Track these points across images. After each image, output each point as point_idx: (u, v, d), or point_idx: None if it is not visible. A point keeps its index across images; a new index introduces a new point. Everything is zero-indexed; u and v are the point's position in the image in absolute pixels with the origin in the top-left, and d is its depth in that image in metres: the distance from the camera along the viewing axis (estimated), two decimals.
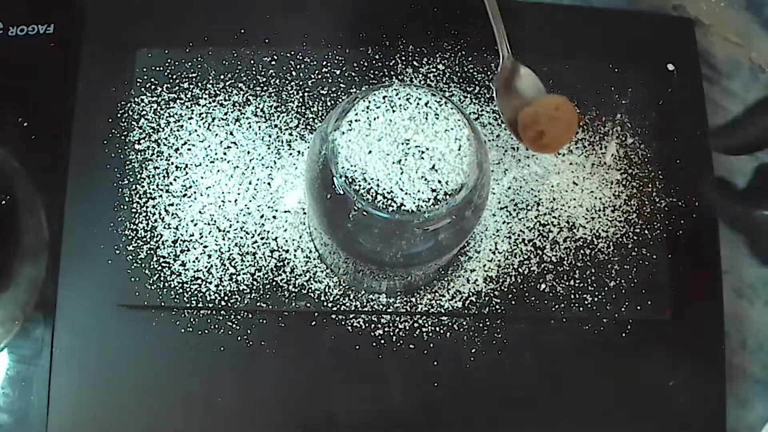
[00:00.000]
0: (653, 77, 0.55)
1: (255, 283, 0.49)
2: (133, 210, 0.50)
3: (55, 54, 0.53)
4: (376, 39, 0.54)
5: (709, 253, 0.52)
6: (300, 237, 0.50)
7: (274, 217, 0.50)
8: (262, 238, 0.50)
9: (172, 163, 0.51)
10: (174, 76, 0.53)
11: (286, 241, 0.50)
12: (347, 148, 0.36)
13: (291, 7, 0.55)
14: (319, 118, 0.52)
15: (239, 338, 0.49)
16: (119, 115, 0.52)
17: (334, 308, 0.49)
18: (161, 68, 0.53)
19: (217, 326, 0.49)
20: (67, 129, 0.51)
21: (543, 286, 0.50)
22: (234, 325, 0.49)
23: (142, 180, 0.50)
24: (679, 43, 0.56)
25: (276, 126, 0.52)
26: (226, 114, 0.52)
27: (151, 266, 0.49)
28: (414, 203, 0.36)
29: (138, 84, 0.52)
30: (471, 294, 0.50)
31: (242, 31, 0.54)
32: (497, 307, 0.50)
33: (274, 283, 0.49)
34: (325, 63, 0.53)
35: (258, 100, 0.52)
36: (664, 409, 0.50)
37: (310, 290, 0.49)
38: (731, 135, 0.45)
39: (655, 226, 0.52)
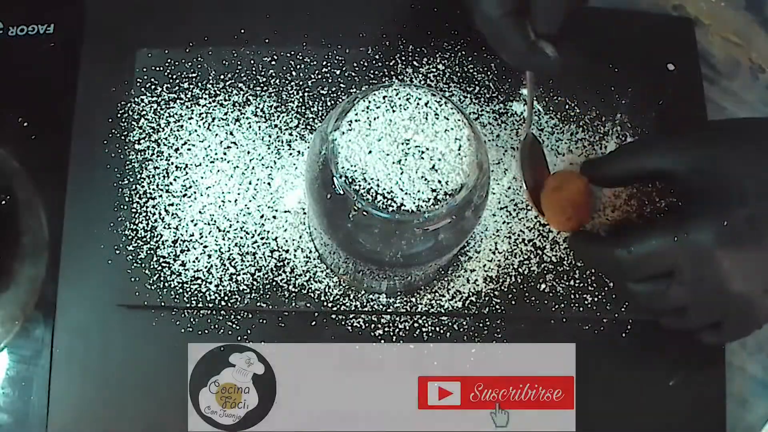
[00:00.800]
0: (653, 77, 0.55)
1: (255, 283, 0.49)
2: (133, 210, 0.50)
3: (55, 54, 0.53)
4: (376, 39, 0.54)
5: None
6: (300, 237, 0.50)
7: (274, 217, 0.50)
8: (262, 238, 0.50)
9: (172, 163, 0.51)
10: (174, 76, 0.53)
11: (286, 241, 0.50)
12: (347, 148, 0.36)
13: (291, 7, 0.55)
14: (319, 118, 0.52)
15: (239, 338, 0.49)
16: (119, 115, 0.52)
17: (334, 308, 0.49)
18: (161, 68, 0.53)
19: (217, 326, 0.49)
20: (67, 129, 0.51)
21: (543, 286, 0.50)
22: (234, 325, 0.49)
23: (142, 180, 0.50)
24: (679, 43, 0.56)
25: (276, 126, 0.52)
26: (226, 114, 0.52)
27: (151, 266, 0.49)
28: (414, 203, 0.36)
29: (138, 84, 0.52)
30: (471, 294, 0.50)
31: (242, 31, 0.54)
32: (497, 307, 0.50)
33: (274, 283, 0.49)
34: (325, 63, 0.53)
35: (258, 100, 0.52)
36: (664, 409, 0.50)
37: (310, 290, 0.49)
38: (601, 168, 0.48)
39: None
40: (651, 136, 0.53)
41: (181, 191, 0.50)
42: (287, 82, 0.53)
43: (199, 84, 0.52)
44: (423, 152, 0.36)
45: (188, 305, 0.49)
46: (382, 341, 0.49)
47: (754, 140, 0.44)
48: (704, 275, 0.43)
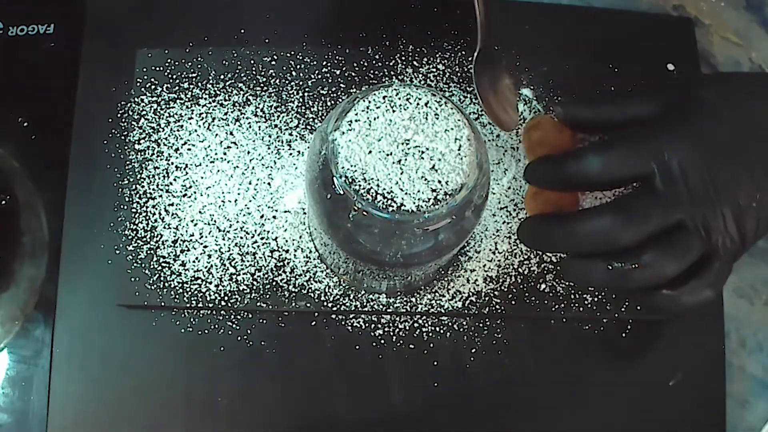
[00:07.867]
0: (653, 77, 0.55)
1: (255, 283, 0.49)
2: (133, 210, 0.50)
3: (55, 54, 0.53)
4: (376, 39, 0.54)
5: None
6: (300, 237, 0.50)
7: (274, 217, 0.50)
8: (262, 238, 0.50)
9: (172, 163, 0.51)
10: (174, 76, 0.53)
11: (286, 241, 0.50)
12: (347, 148, 0.36)
13: (291, 7, 0.55)
14: (319, 118, 0.52)
15: (239, 338, 0.49)
16: (119, 115, 0.52)
17: (334, 308, 0.49)
18: (161, 68, 0.53)
19: (217, 326, 0.49)
20: (67, 129, 0.51)
21: (543, 286, 0.50)
22: (234, 325, 0.49)
23: (142, 180, 0.51)
24: (679, 43, 0.56)
25: (276, 126, 0.52)
26: (226, 114, 0.52)
27: (151, 266, 0.49)
28: (414, 203, 0.36)
29: (138, 84, 0.52)
30: (471, 294, 0.50)
31: (242, 31, 0.54)
32: (497, 307, 0.50)
33: (274, 283, 0.49)
34: (325, 63, 0.53)
35: (258, 100, 0.52)
36: (664, 409, 0.50)
37: (310, 290, 0.49)
38: (578, 110, 0.46)
39: None
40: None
41: (181, 191, 0.50)
42: (287, 82, 0.53)
43: (199, 84, 0.52)
44: (423, 152, 0.36)
45: (188, 305, 0.49)
46: (382, 341, 0.49)
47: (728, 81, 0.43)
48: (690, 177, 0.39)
